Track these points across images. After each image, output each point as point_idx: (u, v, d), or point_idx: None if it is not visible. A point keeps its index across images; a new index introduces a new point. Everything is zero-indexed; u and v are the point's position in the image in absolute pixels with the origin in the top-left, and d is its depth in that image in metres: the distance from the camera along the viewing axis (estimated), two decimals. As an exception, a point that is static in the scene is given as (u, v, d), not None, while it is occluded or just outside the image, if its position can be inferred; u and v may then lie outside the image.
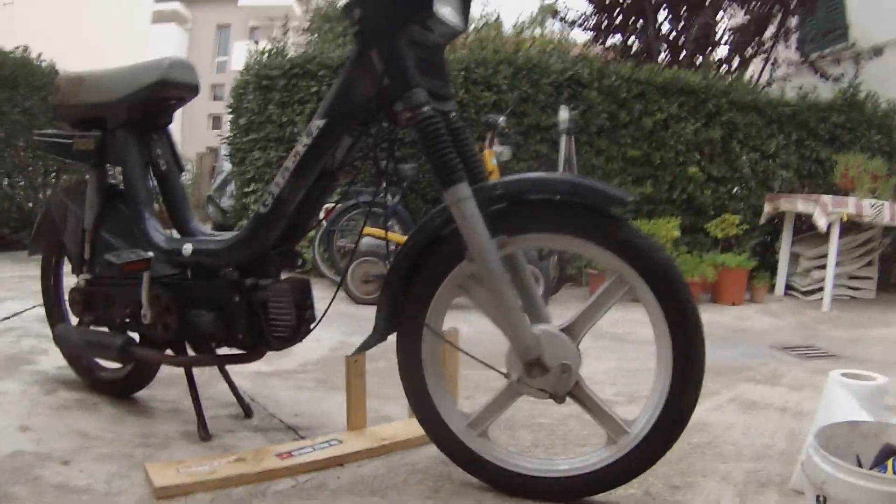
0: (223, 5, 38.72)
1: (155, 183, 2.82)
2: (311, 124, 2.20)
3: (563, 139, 6.78)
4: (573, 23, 12.50)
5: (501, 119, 6.26)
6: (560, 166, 6.80)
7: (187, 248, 2.50)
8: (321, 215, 6.80)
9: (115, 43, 15.24)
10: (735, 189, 8.20)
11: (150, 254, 2.56)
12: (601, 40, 12.21)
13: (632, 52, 11.70)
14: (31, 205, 9.03)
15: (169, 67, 2.63)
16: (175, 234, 2.77)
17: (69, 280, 3.16)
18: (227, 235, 2.53)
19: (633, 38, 11.87)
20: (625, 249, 1.97)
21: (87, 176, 2.84)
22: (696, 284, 6.91)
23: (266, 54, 8.21)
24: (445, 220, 2.06)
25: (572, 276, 7.36)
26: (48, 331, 3.56)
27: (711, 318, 6.14)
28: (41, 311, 4.75)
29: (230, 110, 8.86)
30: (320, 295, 5.67)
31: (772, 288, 7.79)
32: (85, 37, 13.57)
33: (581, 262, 7.26)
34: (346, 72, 2.19)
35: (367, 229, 6.04)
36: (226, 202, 11.11)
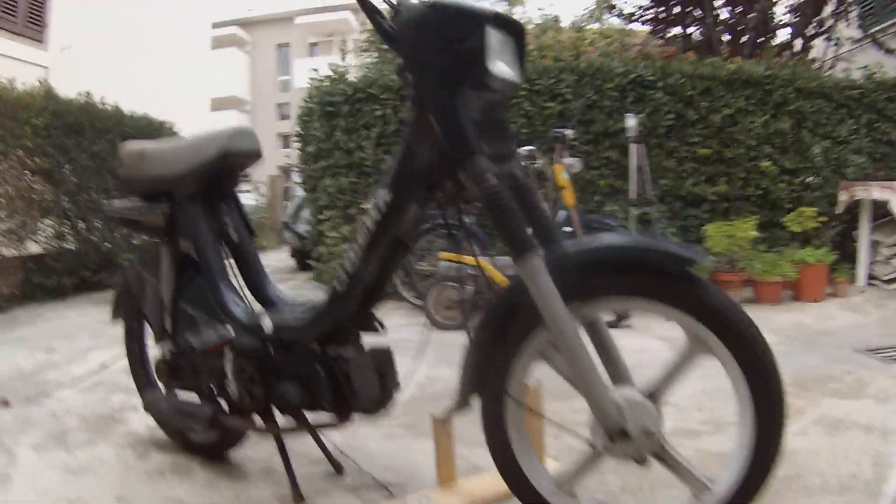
0: (280, 25, 39.07)
1: (228, 251, 2.87)
2: (378, 196, 2.20)
3: (633, 147, 6.78)
4: (631, 16, 12.48)
5: (569, 132, 6.24)
6: (630, 175, 6.80)
7: (267, 324, 2.53)
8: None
9: (178, 73, 15.43)
10: (810, 178, 8.03)
11: (231, 333, 2.63)
12: (660, 33, 12.16)
13: (692, 44, 11.63)
14: (108, 245, 9.26)
15: (230, 138, 2.67)
16: (253, 301, 2.81)
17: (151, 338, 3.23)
18: (306, 307, 2.53)
19: (692, 28, 11.80)
20: (699, 309, 1.95)
21: (160, 248, 2.93)
22: (777, 283, 6.86)
23: (327, 80, 8.26)
24: (521, 289, 2.02)
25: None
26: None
27: (793, 318, 6.16)
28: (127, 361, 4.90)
29: (298, 138, 8.98)
30: (402, 321, 5.75)
31: (853, 279, 7.66)
32: (146, 71, 13.76)
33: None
34: (406, 138, 2.16)
35: (444, 254, 6.09)
36: (301, 227, 11.23)
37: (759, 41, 10.78)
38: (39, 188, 8.27)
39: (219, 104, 28.15)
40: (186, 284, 2.89)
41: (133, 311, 3.28)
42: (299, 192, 11.66)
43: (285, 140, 38.21)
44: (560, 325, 1.96)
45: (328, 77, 8.37)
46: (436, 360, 4.74)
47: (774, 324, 5.97)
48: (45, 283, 8.32)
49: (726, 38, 11.23)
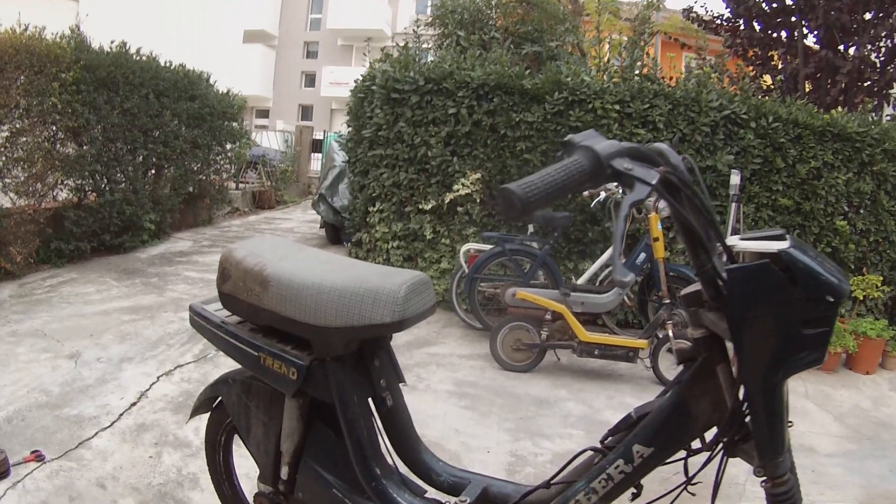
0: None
1: (376, 417, 2.30)
2: (632, 448, 1.81)
3: (733, 206, 6.35)
4: (708, 24, 12.05)
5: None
6: (729, 233, 6.37)
7: None
8: (463, 260, 6.46)
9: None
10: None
11: None
12: (739, 51, 11.66)
13: (774, 71, 11.17)
14: (131, 207, 8.89)
15: (408, 299, 2.03)
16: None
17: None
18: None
19: (774, 53, 11.32)
20: None
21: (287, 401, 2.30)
22: (837, 354, 6.68)
23: (395, 67, 7.64)
24: None
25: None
26: (191, 434, 3.48)
27: (851, 398, 6.00)
28: (172, 389, 4.41)
29: (350, 115, 8.47)
30: (464, 351, 5.14)
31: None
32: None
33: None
34: (678, 393, 1.80)
35: (522, 293, 5.67)
36: (338, 202, 10.65)
37: (850, 89, 10.25)
38: (63, 148, 7.90)
39: (248, 37, 27.47)
40: (317, 441, 2.32)
41: (222, 427, 2.73)
42: (338, 162, 11.04)
43: (310, 79, 37.58)
44: None
45: (396, 60, 7.78)
46: (514, 424, 4.33)
47: (834, 404, 5.76)
48: (63, 248, 7.90)
49: (814, 80, 10.71)
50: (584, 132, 1.67)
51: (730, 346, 1.69)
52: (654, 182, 1.54)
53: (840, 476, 4.27)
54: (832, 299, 1.55)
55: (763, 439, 1.65)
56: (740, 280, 1.58)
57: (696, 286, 1.75)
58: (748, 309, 1.58)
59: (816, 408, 5.56)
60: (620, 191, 6.18)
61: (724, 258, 1.67)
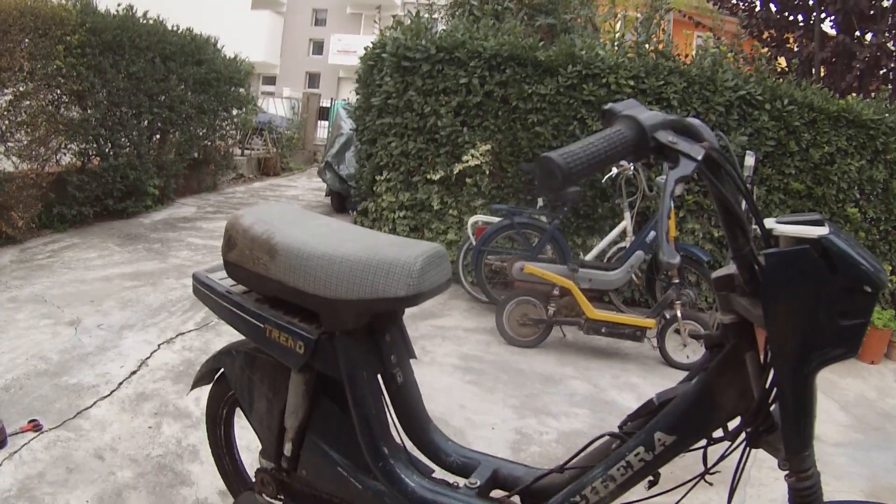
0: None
1: (385, 394, 2.20)
2: (654, 436, 1.74)
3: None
4: (723, 3, 11.93)
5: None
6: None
7: None
8: (471, 232, 6.40)
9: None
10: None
11: None
12: (754, 31, 11.54)
13: (789, 54, 11.05)
14: (134, 172, 8.80)
15: (424, 273, 1.92)
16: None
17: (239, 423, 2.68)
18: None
19: (790, 36, 11.21)
20: None
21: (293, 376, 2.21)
22: None
23: (406, 34, 7.52)
24: None
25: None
26: (191, 405, 3.36)
27: (856, 387, 5.95)
28: (173, 358, 4.34)
29: (358, 83, 8.40)
30: (469, 324, 5.09)
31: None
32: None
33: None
34: (703, 380, 1.74)
35: (531, 267, 5.61)
36: (344, 170, 10.57)
37: (865, 76, 10.15)
38: (67, 112, 7.80)
39: (256, 3, 27.24)
40: (322, 418, 2.23)
41: (224, 400, 2.65)
42: (345, 130, 10.94)
43: (317, 46, 37.40)
44: None
45: (408, 28, 7.66)
46: (519, 401, 4.33)
47: (840, 393, 5.73)
48: (65, 212, 7.83)
49: (829, 64, 10.60)
50: (624, 101, 1.58)
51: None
52: (699, 158, 1.46)
53: (846, 466, 4.23)
54: (870, 290, 1.48)
55: (791, 431, 1.58)
56: (778, 266, 1.50)
57: (728, 269, 1.67)
58: (785, 296, 1.51)
59: (822, 396, 5.46)
60: (632, 167, 6.11)
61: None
